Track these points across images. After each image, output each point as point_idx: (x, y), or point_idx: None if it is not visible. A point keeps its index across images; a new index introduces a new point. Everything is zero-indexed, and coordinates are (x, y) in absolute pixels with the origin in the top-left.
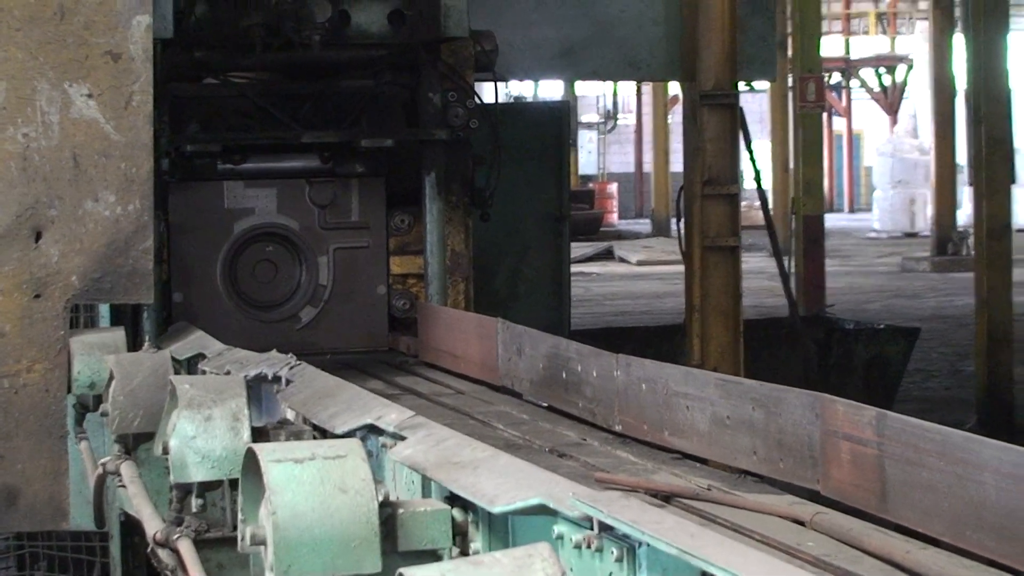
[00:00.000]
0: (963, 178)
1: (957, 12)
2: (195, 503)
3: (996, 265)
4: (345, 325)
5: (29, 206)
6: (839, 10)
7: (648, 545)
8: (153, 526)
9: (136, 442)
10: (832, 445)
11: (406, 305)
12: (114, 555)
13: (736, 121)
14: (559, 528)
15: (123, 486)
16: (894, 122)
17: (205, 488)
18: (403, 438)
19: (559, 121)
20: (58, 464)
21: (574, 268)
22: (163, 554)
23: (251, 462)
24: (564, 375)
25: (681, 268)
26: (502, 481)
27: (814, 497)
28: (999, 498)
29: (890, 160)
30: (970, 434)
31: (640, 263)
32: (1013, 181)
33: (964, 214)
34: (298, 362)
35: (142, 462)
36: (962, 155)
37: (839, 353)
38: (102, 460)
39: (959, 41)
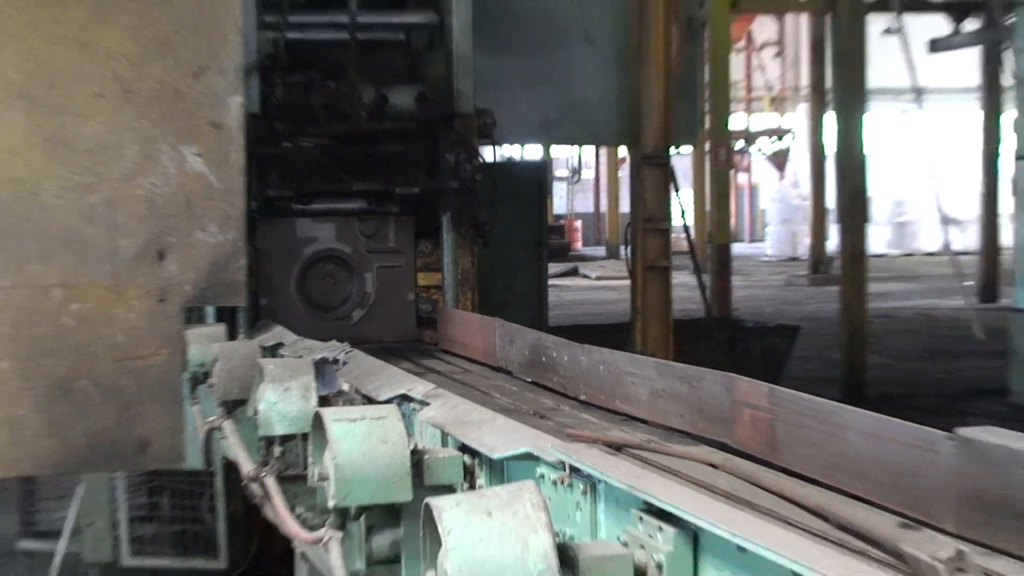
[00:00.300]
0: (831, 217)
1: (829, 96)
2: (276, 451)
3: (855, 282)
4: (384, 323)
5: (155, 235)
6: (743, 95)
7: (606, 483)
8: (247, 467)
9: (234, 406)
10: (738, 411)
11: (429, 308)
12: (217, 487)
13: (668, 176)
14: (541, 470)
15: (224, 438)
16: (781, 177)
17: (284, 440)
18: (427, 404)
19: (539, 175)
20: (177, 421)
21: (550, 282)
22: (254, 487)
23: (318, 421)
24: (543, 359)
25: (628, 282)
26: (500, 436)
27: (724, 448)
28: (859, 450)
29: (779, 204)
30: (837, 403)
31: (598, 278)
32: (867, 221)
33: (831, 244)
34: (351, 349)
35: (238, 421)
36: (831, 201)
37: (741, 345)
38: (209, 418)
39: (830, 118)
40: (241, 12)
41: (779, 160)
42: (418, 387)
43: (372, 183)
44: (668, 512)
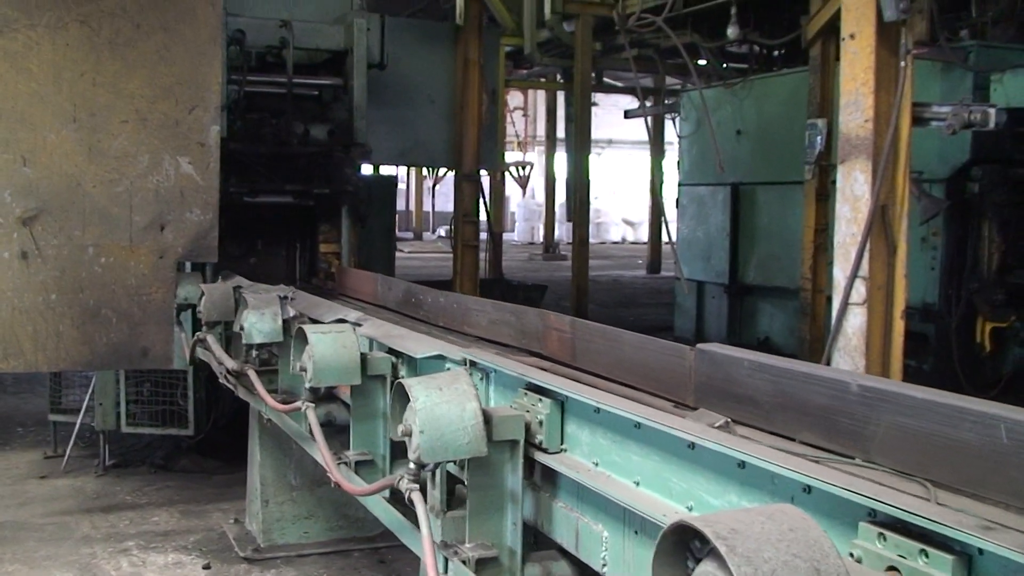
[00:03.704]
0: (557, 217)
1: (557, 142)
2: (254, 354)
3: (580, 257)
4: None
5: (159, 214)
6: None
7: (496, 371)
8: (231, 364)
9: (214, 326)
10: (548, 333)
11: (327, 266)
12: (189, 381)
13: (478, 188)
14: (448, 365)
15: (208, 349)
16: (524, 192)
17: (259, 347)
18: (360, 325)
19: (392, 185)
20: (169, 337)
21: None
22: (236, 380)
23: (301, 333)
24: (413, 300)
25: (431, 255)
26: (417, 343)
27: (541, 356)
28: (631, 356)
29: (523, 209)
30: (616, 328)
31: (410, 252)
32: (588, 220)
33: (558, 234)
34: (295, 290)
35: (217, 336)
36: (557, 207)
37: (510, 296)
38: (198, 333)
39: (559, 157)
40: (220, 71)
41: (522, 181)
42: (352, 313)
43: (297, 185)
44: (544, 388)
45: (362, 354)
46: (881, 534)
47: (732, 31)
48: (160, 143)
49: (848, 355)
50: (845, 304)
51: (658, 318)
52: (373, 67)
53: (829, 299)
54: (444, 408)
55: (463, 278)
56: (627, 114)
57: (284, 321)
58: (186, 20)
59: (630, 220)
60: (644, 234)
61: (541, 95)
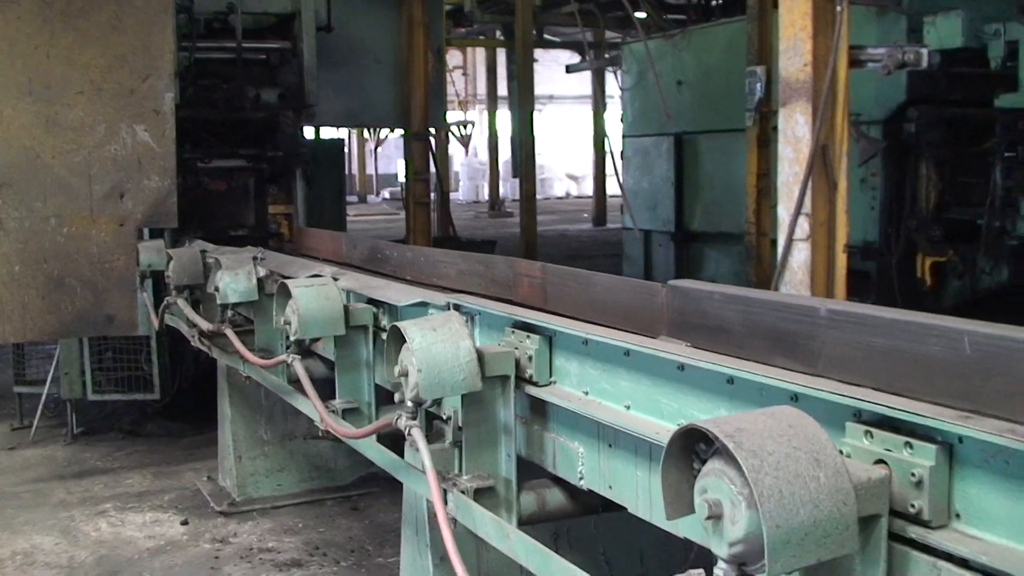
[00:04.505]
0: (502, 175)
1: (497, 100)
2: (229, 313)
3: (529, 212)
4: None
5: (117, 182)
6: None
7: (481, 313)
8: (205, 325)
9: (183, 289)
10: (519, 279)
11: (276, 226)
12: (153, 346)
13: (427, 146)
14: (432, 311)
15: (178, 313)
16: (466, 152)
17: (235, 307)
18: (336, 279)
19: (340, 147)
20: (132, 303)
21: None
22: (210, 341)
23: (284, 288)
24: (379, 256)
25: (375, 218)
26: (398, 292)
27: (511, 302)
28: (603, 296)
29: (466, 168)
30: (588, 270)
31: (356, 216)
32: (535, 176)
33: (503, 192)
34: (264, 250)
35: (187, 300)
36: (500, 164)
37: (462, 249)
38: (167, 298)
39: (501, 115)
40: (172, 39)
41: (465, 140)
42: (326, 269)
43: (250, 149)
44: (532, 324)
45: (346, 305)
46: (867, 431)
47: None
48: (116, 112)
49: (794, 289)
50: (790, 240)
51: (607, 268)
52: (320, 30)
53: (773, 242)
54: (440, 347)
55: (416, 235)
56: (569, 68)
57: (258, 280)
58: None
59: (574, 175)
60: (588, 188)
61: (480, 54)
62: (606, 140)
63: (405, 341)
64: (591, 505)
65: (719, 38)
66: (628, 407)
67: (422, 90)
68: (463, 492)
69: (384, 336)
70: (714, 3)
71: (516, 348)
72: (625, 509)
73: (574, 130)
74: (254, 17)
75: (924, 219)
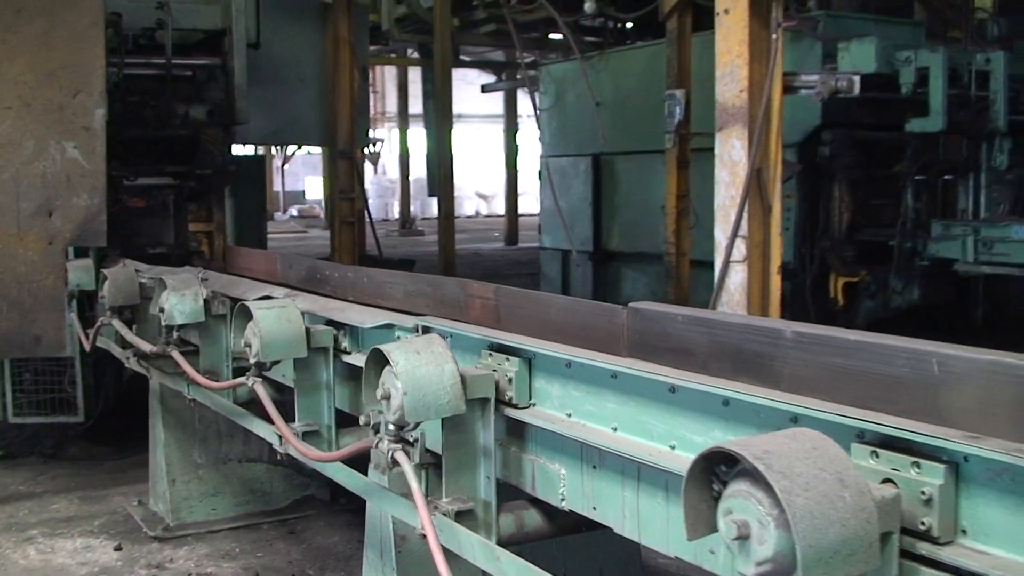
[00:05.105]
0: (417, 192)
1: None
2: (175, 335)
3: (448, 231)
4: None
5: (46, 200)
6: None
7: (454, 334)
8: (147, 347)
9: (116, 311)
10: (471, 301)
11: (196, 244)
12: (77, 367)
13: (353, 165)
14: (398, 334)
15: (116, 330)
16: (375, 170)
17: (180, 328)
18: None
19: (262, 164)
20: (60, 323)
21: None
22: (149, 364)
23: (244, 309)
24: (318, 276)
25: (284, 236)
26: (361, 315)
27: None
28: (560, 318)
29: (375, 186)
30: (545, 292)
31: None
32: (452, 194)
33: (413, 210)
34: (206, 271)
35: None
36: (414, 184)
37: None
38: (102, 318)
39: (413, 133)
40: (103, 55)
41: (374, 158)
42: (277, 290)
43: (178, 167)
44: (510, 346)
45: (305, 328)
46: (873, 452)
47: (589, 6)
48: (45, 128)
49: (731, 309)
50: (727, 262)
51: (526, 287)
52: (249, 46)
53: (692, 262)
54: (424, 370)
55: (342, 254)
56: (485, 88)
57: (206, 301)
58: (68, 4)
59: (483, 194)
60: (497, 207)
61: (390, 71)
62: (515, 160)
63: (387, 364)
64: (568, 526)
65: (636, 61)
66: (615, 428)
67: (348, 108)
68: (445, 515)
69: (345, 359)
70: (629, 27)
71: (495, 370)
72: (591, 530)
73: (484, 149)
74: (181, 33)
75: (837, 240)
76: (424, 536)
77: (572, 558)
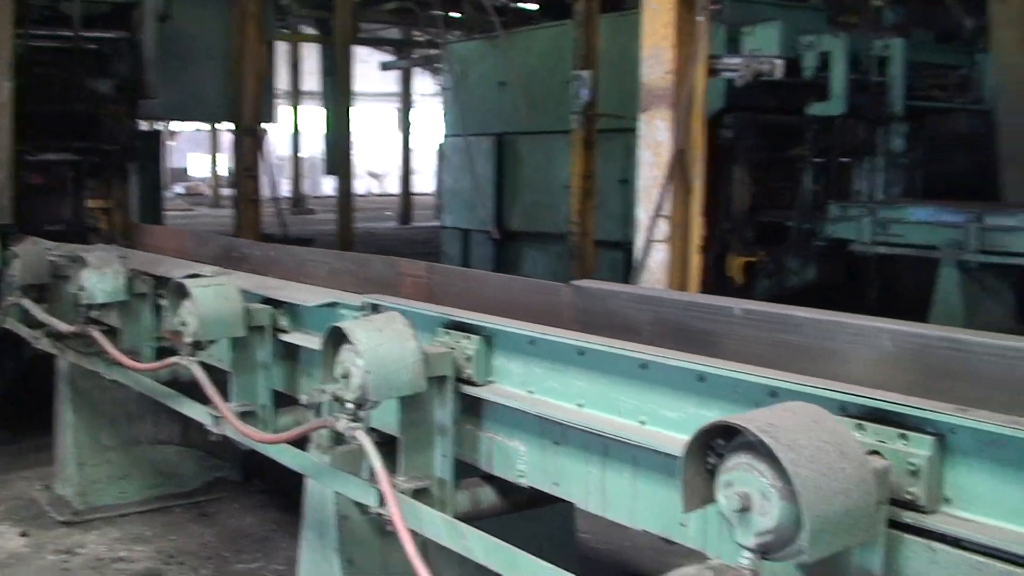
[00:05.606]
0: (307, 171)
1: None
2: (95, 314)
3: (345, 210)
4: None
5: None
6: None
7: (405, 313)
8: (64, 328)
9: (28, 291)
10: (402, 279)
11: (94, 221)
12: None
13: (256, 141)
14: (343, 312)
15: (27, 309)
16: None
17: (101, 307)
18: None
19: (156, 139)
20: None
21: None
22: (64, 344)
23: (180, 287)
24: (234, 254)
25: (171, 214)
26: (303, 294)
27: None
28: (497, 295)
29: (272, 166)
30: (480, 271)
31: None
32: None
33: (306, 189)
34: (124, 250)
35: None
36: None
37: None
38: (9, 298)
39: (306, 111)
40: (10, 26)
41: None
42: (205, 268)
43: (84, 142)
44: (467, 324)
45: (244, 306)
46: (859, 424)
47: None
48: None
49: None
50: (648, 241)
51: None
52: (159, 19)
53: (596, 242)
54: (387, 348)
55: (246, 232)
56: (385, 66)
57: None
58: None
59: (375, 173)
60: (389, 186)
61: (281, 48)
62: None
63: (345, 342)
64: (523, 502)
65: (541, 41)
66: (581, 405)
67: (254, 84)
68: (403, 493)
69: (283, 337)
70: (534, 8)
71: (453, 348)
72: (532, 508)
73: (376, 128)
74: (87, 5)
75: (738, 221)
76: (382, 515)
77: (511, 536)
